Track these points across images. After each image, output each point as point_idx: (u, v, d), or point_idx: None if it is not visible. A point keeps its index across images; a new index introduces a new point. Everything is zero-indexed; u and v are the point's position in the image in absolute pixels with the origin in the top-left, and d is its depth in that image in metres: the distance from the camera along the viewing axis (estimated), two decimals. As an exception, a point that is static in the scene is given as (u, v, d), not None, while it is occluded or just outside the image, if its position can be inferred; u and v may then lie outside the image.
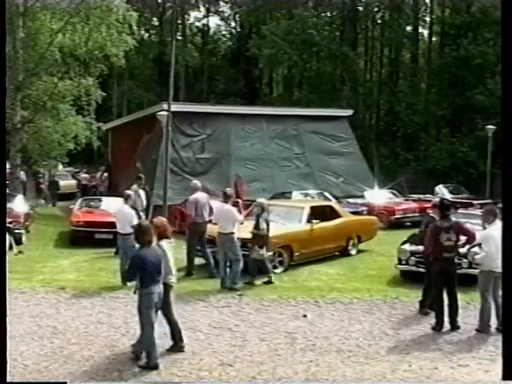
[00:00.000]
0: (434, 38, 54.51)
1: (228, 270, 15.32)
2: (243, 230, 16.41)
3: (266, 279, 15.53)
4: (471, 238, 11.97)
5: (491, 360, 10.06)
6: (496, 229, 11.59)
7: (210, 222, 16.76)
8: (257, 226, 15.56)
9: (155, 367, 9.44)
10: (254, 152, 32.44)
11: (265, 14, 55.26)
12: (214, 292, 14.51)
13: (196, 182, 17.92)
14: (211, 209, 16.81)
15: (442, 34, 52.31)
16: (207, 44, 60.61)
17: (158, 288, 9.60)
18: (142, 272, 9.37)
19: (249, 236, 15.74)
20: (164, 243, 10.04)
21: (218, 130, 32.09)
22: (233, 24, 62.46)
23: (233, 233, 15.22)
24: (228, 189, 16.50)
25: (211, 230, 17.38)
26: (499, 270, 11.45)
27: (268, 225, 15.57)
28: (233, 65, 58.44)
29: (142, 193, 21.07)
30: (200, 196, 17.02)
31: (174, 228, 21.56)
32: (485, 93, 41.83)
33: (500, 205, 27.64)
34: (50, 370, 9.42)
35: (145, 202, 21.33)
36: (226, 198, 15.78)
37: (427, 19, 54.38)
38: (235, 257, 15.24)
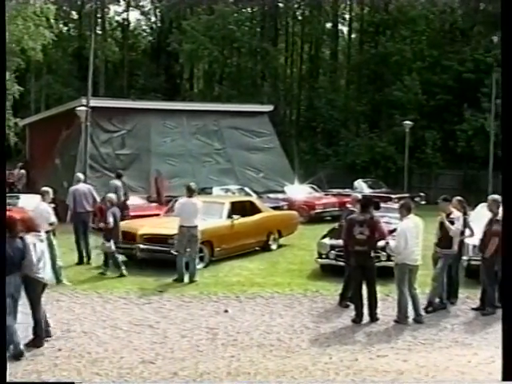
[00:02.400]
0: (353, 35, 55.07)
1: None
2: (164, 226, 16.40)
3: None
4: (381, 234, 12.17)
5: (409, 350, 10.33)
6: (409, 222, 11.86)
7: (91, 212, 17.80)
8: (105, 220, 15.65)
9: (19, 355, 9.39)
10: (174, 148, 32.26)
11: (185, 9, 54.83)
12: (135, 289, 14.39)
13: (79, 175, 19.03)
14: (94, 200, 17.13)
15: (361, 31, 52.91)
16: (127, 39, 59.80)
17: (14, 279, 9.47)
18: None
19: (171, 232, 15.71)
20: (30, 236, 9.87)
21: (138, 125, 31.79)
22: (153, 19, 61.74)
23: (196, 226, 15.36)
24: (192, 183, 16.53)
25: (131, 225, 17.35)
26: (413, 262, 11.76)
27: (115, 219, 15.73)
28: (153, 60, 57.91)
29: (120, 186, 21.54)
30: (80, 187, 17.90)
31: (93, 225, 21.37)
32: (402, 89, 42.57)
33: (417, 198, 28.27)
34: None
35: (124, 196, 21.71)
36: (190, 192, 15.88)
37: (347, 16, 54.91)
38: (193, 250, 15.40)
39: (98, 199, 18.66)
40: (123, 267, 15.82)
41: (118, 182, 21.77)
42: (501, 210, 12.85)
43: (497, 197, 13.10)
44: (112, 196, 16.64)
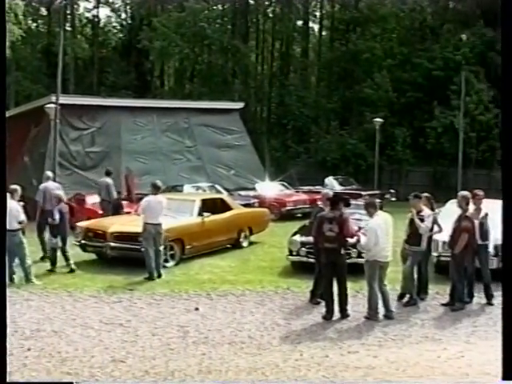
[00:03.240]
0: (323, 33, 55.23)
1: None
2: (134, 224, 16.34)
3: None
4: (349, 232, 12.22)
5: (379, 346, 10.39)
6: (379, 219, 11.92)
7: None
8: (52, 216, 15.66)
9: None
10: (144, 145, 32.17)
11: (156, 6, 54.61)
12: (105, 287, 14.32)
13: (48, 172, 19.08)
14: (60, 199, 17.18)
15: (331, 28, 53.09)
16: (97, 35, 59.35)
17: None
18: None
19: (140, 230, 15.65)
20: None
21: (108, 123, 31.65)
22: (123, 16, 61.38)
23: (161, 224, 15.39)
24: (158, 181, 16.53)
25: (101, 223, 17.28)
26: (383, 259, 11.83)
27: (62, 215, 15.74)
28: (123, 57, 57.51)
29: (111, 184, 21.58)
30: (50, 185, 17.82)
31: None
32: (373, 86, 42.85)
33: (387, 195, 28.45)
34: None
35: (115, 194, 21.71)
36: (155, 189, 15.92)
37: (317, 14, 55.09)
38: (159, 247, 15.40)
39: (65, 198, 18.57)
40: (71, 262, 15.81)
41: (108, 180, 21.74)
42: (470, 206, 12.99)
43: (466, 193, 13.23)
44: (60, 193, 16.58)
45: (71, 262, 15.89)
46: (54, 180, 23.84)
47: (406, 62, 44.40)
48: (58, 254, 15.97)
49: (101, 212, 21.33)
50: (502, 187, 6.44)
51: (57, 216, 15.71)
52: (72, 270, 15.76)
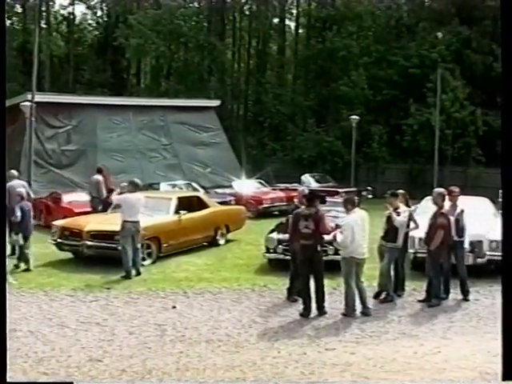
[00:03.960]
0: (300, 31, 55.25)
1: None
2: (110, 222, 16.29)
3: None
4: (324, 229, 12.23)
5: (356, 342, 10.42)
6: (355, 216, 11.96)
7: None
8: (13, 214, 15.65)
9: None
10: (121, 143, 32.07)
11: (132, 4, 54.37)
12: (82, 286, 14.24)
13: (13, 171, 18.66)
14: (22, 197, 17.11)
15: (308, 26, 53.16)
16: (73, 33, 58.98)
17: None
18: None
19: (117, 228, 15.59)
20: None
21: (84, 121, 31.51)
22: (99, 13, 61.00)
23: (139, 221, 15.40)
24: (136, 179, 16.51)
25: (77, 222, 17.21)
26: (360, 256, 11.87)
27: (24, 213, 15.71)
28: (99, 55, 57.19)
29: (102, 181, 21.96)
30: (15, 183, 17.60)
31: (40, 222, 21.15)
32: (349, 84, 42.93)
33: (364, 192, 28.59)
34: None
35: (105, 191, 21.75)
36: (134, 187, 15.93)
37: (294, 12, 55.08)
38: (137, 245, 15.41)
39: (33, 195, 18.52)
40: (31, 262, 15.73)
41: (99, 177, 22.05)
42: (446, 203, 13.07)
43: (441, 190, 13.33)
44: (22, 190, 16.46)
45: (30, 261, 15.77)
46: (29, 178, 23.87)
47: (382, 60, 44.55)
48: (28, 251, 15.88)
49: (81, 210, 21.23)
50: (502, 187, 6.48)
51: (18, 213, 15.61)
52: (27, 270, 15.67)
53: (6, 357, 6.89)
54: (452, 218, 13.00)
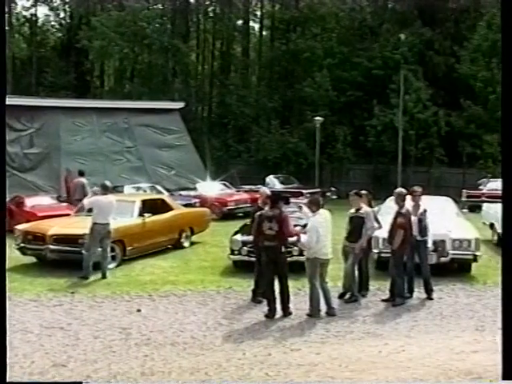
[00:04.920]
0: (264, 32, 55.38)
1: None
2: (74, 226, 16.18)
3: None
4: (288, 231, 12.24)
5: (322, 342, 10.45)
6: (320, 217, 11.99)
7: None
8: None
9: None
10: (84, 146, 31.85)
11: (95, 5, 54.02)
12: (45, 291, 14.11)
13: None
14: None
15: (272, 28, 53.28)
16: (36, 35, 58.47)
17: None
18: None
19: (81, 232, 15.50)
20: None
21: (47, 123, 31.23)
22: (62, 14, 60.53)
23: (109, 223, 15.46)
24: (107, 181, 16.46)
25: (40, 226, 17.08)
26: (324, 256, 11.91)
27: None
28: (63, 57, 56.74)
29: (86, 183, 22.71)
30: None
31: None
32: (313, 86, 43.11)
33: (328, 193, 28.67)
34: None
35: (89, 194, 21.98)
36: (105, 189, 16.01)
37: (258, 13, 55.15)
38: (106, 247, 15.43)
39: None
40: None
41: (83, 180, 22.85)
42: (408, 202, 13.19)
43: (401, 190, 13.46)
44: None
45: None
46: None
47: (346, 62, 44.83)
48: None
49: (44, 214, 21.06)
50: (502, 186, 6.53)
51: None
52: None
53: (6, 357, 6.83)
54: (414, 218, 13.11)
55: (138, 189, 27.49)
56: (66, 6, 59.46)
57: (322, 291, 12.05)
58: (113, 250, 16.43)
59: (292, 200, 18.09)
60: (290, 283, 12.41)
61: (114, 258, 16.49)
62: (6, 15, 54.19)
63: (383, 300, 13.00)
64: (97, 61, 51.78)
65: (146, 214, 17.79)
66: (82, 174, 23.35)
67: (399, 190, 13.53)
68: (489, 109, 40.00)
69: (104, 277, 15.18)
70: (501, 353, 6.28)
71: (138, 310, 12.44)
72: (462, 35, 43.72)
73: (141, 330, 11.17)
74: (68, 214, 20.03)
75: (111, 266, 16.16)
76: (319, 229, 11.75)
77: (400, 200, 12.94)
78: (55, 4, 60.00)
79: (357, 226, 12.86)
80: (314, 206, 12.15)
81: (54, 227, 16.85)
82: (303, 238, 12.20)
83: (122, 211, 17.30)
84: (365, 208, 13.12)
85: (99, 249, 15.37)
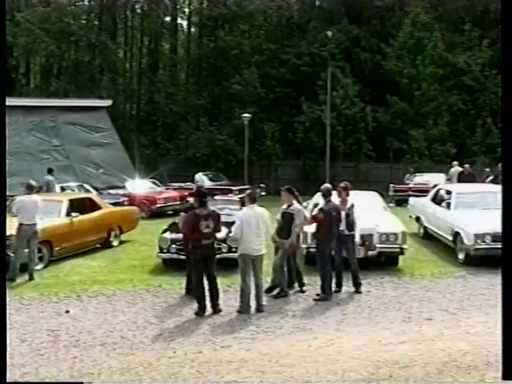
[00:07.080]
0: (192, 29, 55.23)
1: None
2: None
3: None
4: (219, 227, 12.30)
5: (252, 339, 10.48)
6: (248, 212, 12.03)
7: None
8: None
9: None
10: (10, 145, 31.05)
11: (20, 1, 53.04)
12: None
13: None
14: None
15: (200, 25, 53.15)
16: (-45, 32, 57.18)
17: None
18: None
19: (7, 233, 15.18)
20: None
21: (-31, 122, 30.50)
22: (-17, 11, 59.39)
23: (36, 224, 15.18)
24: (32, 181, 16.16)
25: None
26: (254, 253, 11.93)
27: None
28: (-15, 54, 55.71)
29: (53, 180, 23.60)
30: None
31: None
32: (241, 82, 43.26)
33: (257, 189, 28.68)
34: None
35: (58, 190, 23.39)
36: (30, 189, 15.68)
37: (186, 10, 54.93)
38: (34, 248, 15.22)
39: None
40: None
41: (50, 177, 23.15)
42: (333, 197, 13.36)
43: (327, 185, 13.66)
44: None
45: None
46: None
47: (274, 58, 45.08)
48: None
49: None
50: (502, 186, 6.61)
51: None
52: None
53: (6, 357, 6.65)
54: (343, 213, 13.29)
55: (66, 188, 27.05)
56: (-11, 2, 58.20)
57: (255, 287, 12.09)
58: (40, 250, 16.14)
59: (222, 197, 18.13)
60: (220, 280, 12.44)
61: (41, 258, 16.21)
62: None
63: (315, 297, 13.03)
64: (22, 58, 50.80)
65: (73, 214, 17.55)
66: (50, 171, 23.99)
67: (325, 185, 13.68)
68: (414, 105, 40.85)
69: (31, 278, 14.95)
70: (501, 353, 6.37)
71: (67, 311, 12.26)
72: (387, 33, 44.48)
73: (69, 331, 11.01)
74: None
75: (38, 267, 15.90)
76: (244, 224, 11.75)
77: (326, 195, 13.07)
78: (-23, -1, 58.69)
79: (287, 222, 12.93)
80: (250, 199, 12.18)
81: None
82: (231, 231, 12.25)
83: (49, 211, 17.00)
84: (295, 205, 13.18)
85: (26, 250, 15.11)
